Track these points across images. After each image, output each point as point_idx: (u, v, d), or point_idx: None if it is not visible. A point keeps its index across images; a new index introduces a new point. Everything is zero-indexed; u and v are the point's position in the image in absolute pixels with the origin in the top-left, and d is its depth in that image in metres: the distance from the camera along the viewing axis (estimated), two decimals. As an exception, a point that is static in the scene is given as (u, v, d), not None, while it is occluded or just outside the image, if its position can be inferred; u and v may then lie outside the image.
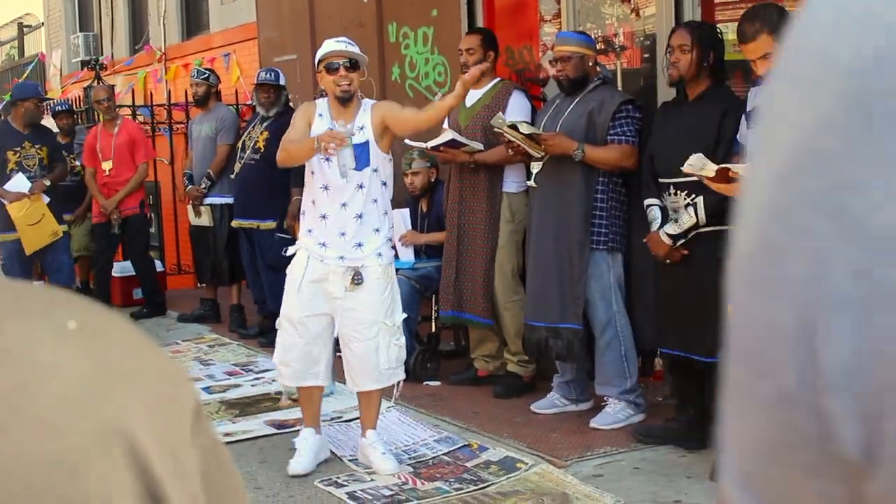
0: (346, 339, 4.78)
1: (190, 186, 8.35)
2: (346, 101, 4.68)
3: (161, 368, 0.58)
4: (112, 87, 9.85)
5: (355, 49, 4.72)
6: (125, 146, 8.79)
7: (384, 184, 4.78)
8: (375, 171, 4.71)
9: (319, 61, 4.72)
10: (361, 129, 4.69)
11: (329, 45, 4.72)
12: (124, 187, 8.75)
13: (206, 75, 8.40)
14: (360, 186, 4.68)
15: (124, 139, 8.82)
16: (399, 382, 4.89)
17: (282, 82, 7.62)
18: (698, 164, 4.05)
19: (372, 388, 4.84)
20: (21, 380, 0.51)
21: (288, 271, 4.86)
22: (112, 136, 8.81)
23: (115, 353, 0.56)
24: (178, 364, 0.61)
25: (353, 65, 4.67)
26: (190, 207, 8.49)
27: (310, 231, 4.76)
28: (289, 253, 4.91)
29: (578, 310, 5.22)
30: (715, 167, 3.97)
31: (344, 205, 4.65)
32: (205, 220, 8.35)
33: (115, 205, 8.70)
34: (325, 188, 4.69)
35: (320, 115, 4.78)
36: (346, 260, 4.70)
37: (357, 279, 4.68)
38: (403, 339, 4.88)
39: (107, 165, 8.74)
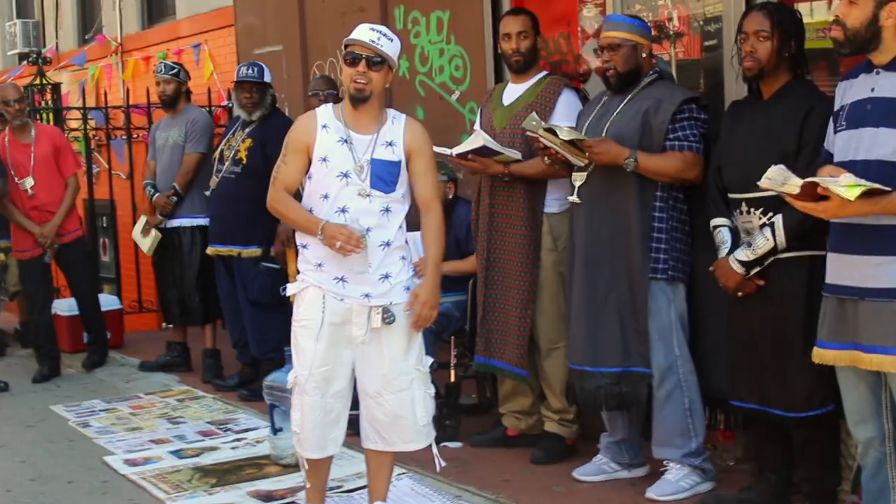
0: (372, 393, 4.84)
1: (157, 195, 8.40)
2: (358, 101, 4.73)
3: None
4: (57, 84, 9.90)
5: (390, 45, 4.75)
6: (50, 157, 8.75)
7: (409, 210, 4.89)
8: (403, 195, 4.81)
9: (344, 46, 4.79)
10: (390, 144, 4.77)
11: (361, 31, 4.76)
12: (61, 207, 8.73)
13: (174, 70, 8.48)
14: (387, 210, 4.75)
15: (47, 149, 8.77)
16: (435, 444, 4.96)
17: (267, 79, 7.71)
18: (779, 178, 4.06)
19: (409, 448, 4.92)
20: None
21: (296, 318, 4.87)
22: (29, 147, 8.76)
23: None
24: None
25: (377, 61, 4.72)
26: (141, 221, 8.50)
27: (320, 265, 4.79)
28: (289, 293, 4.95)
29: (644, 349, 5.24)
30: (800, 182, 3.98)
31: (368, 230, 4.71)
32: (147, 243, 8.38)
33: (55, 231, 8.72)
34: (343, 211, 4.73)
35: (324, 126, 4.80)
36: (373, 297, 4.76)
37: (388, 317, 4.74)
38: (433, 389, 4.96)
39: (28, 183, 8.68)
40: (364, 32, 4.73)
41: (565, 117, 5.74)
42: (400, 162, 4.76)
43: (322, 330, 4.76)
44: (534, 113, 5.47)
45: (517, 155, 5.81)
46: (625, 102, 5.34)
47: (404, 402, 4.81)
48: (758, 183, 4.14)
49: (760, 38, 4.72)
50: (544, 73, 6.09)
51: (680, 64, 6.39)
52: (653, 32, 5.94)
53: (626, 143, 5.20)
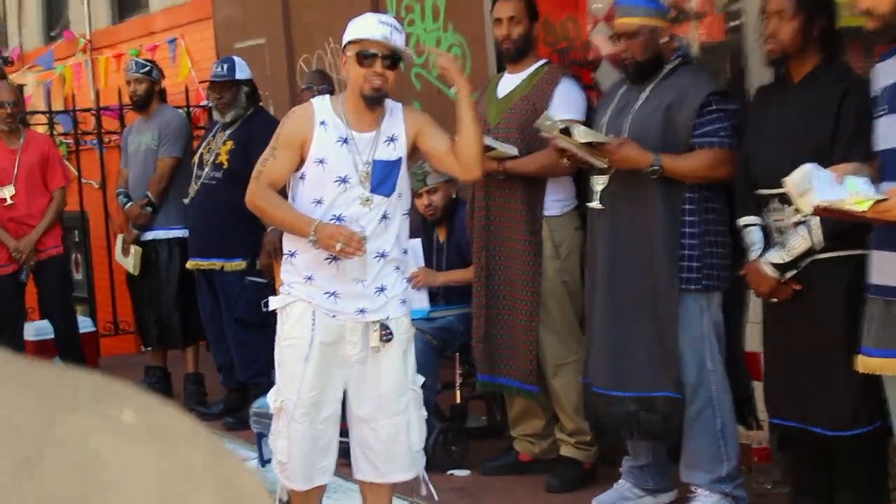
0: (365, 417, 4.79)
1: (130, 204, 8.33)
2: (374, 101, 4.68)
3: (235, 473, 0.71)
4: (20, 86, 9.85)
5: (401, 38, 4.69)
6: (36, 167, 8.68)
7: (406, 213, 4.85)
8: (400, 196, 4.76)
9: (350, 42, 4.70)
10: (392, 140, 4.72)
11: (369, 25, 4.69)
12: (41, 221, 8.65)
13: (146, 68, 8.43)
14: (385, 217, 4.71)
15: (34, 158, 8.69)
16: (435, 473, 4.95)
17: (239, 76, 7.65)
18: (802, 186, 4.01)
19: (404, 477, 4.87)
20: (88, 485, 0.63)
21: (281, 336, 4.81)
22: (15, 154, 8.67)
23: (184, 455, 0.69)
24: (249, 468, 0.75)
25: (395, 60, 4.68)
26: (119, 241, 8.45)
27: (310, 278, 4.72)
28: (272, 307, 4.89)
29: (674, 371, 5.19)
30: (813, 204, 3.95)
31: (365, 240, 4.65)
32: (130, 262, 8.33)
33: (32, 246, 8.66)
34: (338, 219, 4.66)
35: (322, 122, 4.73)
36: (369, 312, 4.70)
37: (387, 334, 4.70)
38: (425, 410, 4.93)
39: (7, 192, 8.58)
40: (375, 27, 4.66)
41: (563, 108, 5.70)
42: (400, 160, 4.73)
43: (312, 350, 4.69)
44: (547, 112, 5.42)
45: (513, 151, 5.76)
46: (645, 94, 5.29)
47: (400, 427, 4.76)
48: (783, 180, 4.09)
49: (783, 18, 4.68)
50: (542, 61, 6.08)
51: (703, 47, 6.40)
52: (671, 13, 5.89)
53: (649, 142, 5.15)
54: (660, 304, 5.19)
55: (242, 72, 7.67)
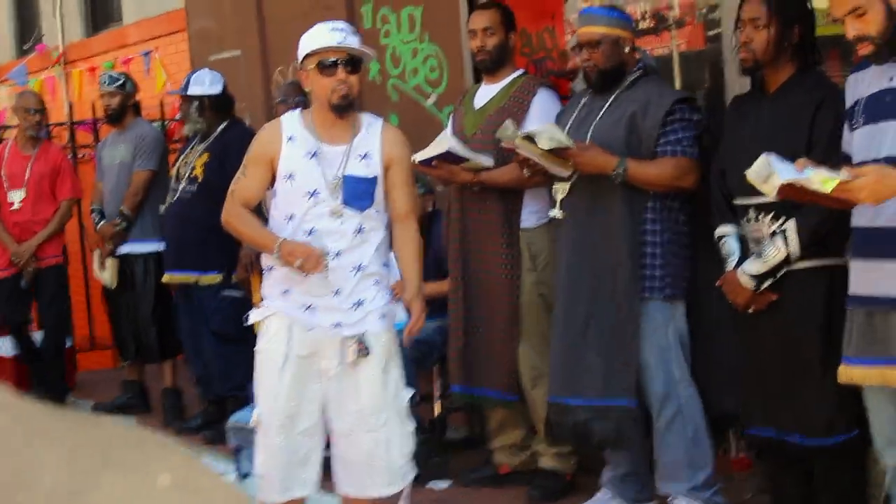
0: (345, 432, 4.79)
1: (102, 223, 8.36)
2: (344, 109, 4.69)
3: None
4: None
5: (356, 40, 4.72)
6: (46, 176, 8.82)
7: (385, 226, 4.84)
8: (378, 211, 4.77)
9: (307, 56, 4.72)
10: (364, 157, 4.72)
11: (321, 35, 4.70)
12: (45, 228, 8.74)
13: (119, 81, 8.45)
14: (360, 231, 4.71)
15: (46, 167, 8.85)
16: (408, 486, 4.91)
17: (193, 91, 7.65)
18: (763, 173, 4.00)
19: (385, 492, 4.85)
20: None
21: (259, 349, 4.82)
22: (28, 160, 8.83)
23: None
24: None
25: (356, 63, 4.70)
26: (96, 256, 8.47)
27: (286, 292, 4.74)
28: (251, 321, 4.91)
29: (630, 380, 5.20)
30: (779, 183, 3.92)
31: (338, 254, 4.67)
32: (107, 276, 8.34)
33: (33, 251, 8.69)
34: (310, 233, 4.67)
35: (290, 138, 4.73)
36: (345, 326, 4.71)
37: (363, 350, 4.70)
38: (413, 425, 4.92)
39: (16, 196, 8.72)
40: (329, 35, 4.67)
41: (541, 120, 5.69)
42: (375, 178, 4.72)
43: (287, 363, 4.71)
44: (509, 121, 5.41)
45: (488, 162, 5.77)
46: (608, 103, 5.33)
47: (379, 441, 4.76)
48: (745, 172, 4.09)
49: (756, 27, 4.71)
50: (519, 72, 6.09)
51: (684, 56, 6.39)
52: (647, 22, 5.93)
53: (613, 150, 5.17)
54: (621, 312, 5.20)
55: (199, 86, 7.66)
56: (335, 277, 4.66)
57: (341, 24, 4.77)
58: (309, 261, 4.53)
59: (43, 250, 8.75)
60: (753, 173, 4.04)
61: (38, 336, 9.28)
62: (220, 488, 0.67)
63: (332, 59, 4.65)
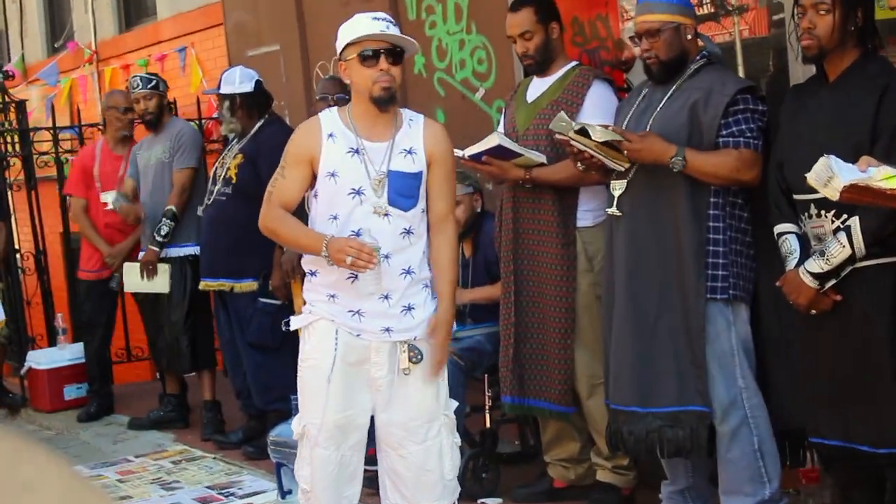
0: (394, 444, 4.83)
1: (144, 252, 8.41)
2: (387, 102, 4.72)
3: None
4: (23, 101, 9.99)
5: (397, 31, 4.76)
6: None
7: (429, 227, 4.87)
8: (423, 211, 4.80)
9: (348, 45, 4.75)
10: (409, 152, 4.76)
11: (362, 24, 4.73)
12: (137, 229, 8.79)
13: (153, 82, 8.53)
14: (408, 232, 4.74)
15: None
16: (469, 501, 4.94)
17: (224, 90, 7.70)
18: (823, 176, 4.01)
19: None
20: None
21: (302, 356, 4.86)
22: (121, 161, 8.95)
23: None
24: None
25: (399, 53, 4.73)
26: (130, 267, 8.53)
27: (333, 296, 4.78)
28: (293, 327, 4.95)
29: (702, 383, 5.17)
30: (841, 184, 3.92)
31: (387, 257, 4.70)
32: (159, 284, 8.39)
33: (125, 253, 8.79)
34: (357, 234, 4.69)
35: (331, 135, 4.77)
36: (395, 332, 4.75)
37: (415, 356, 4.74)
38: (459, 437, 4.96)
39: (109, 197, 8.80)
40: (369, 24, 4.71)
41: (596, 114, 5.68)
42: (421, 173, 4.76)
43: (335, 370, 4.74)
44: (562, 113, 5.38)
45: (541, 158, 5.76)
46: (669, 94, 5.30)
47: (431, 454, 4.80)
48: (805, 175, 4.09)
49: (819, 12, 4.67)
50: (573, 63, 6.05)
51: (746, 44, 6.35)
52: (707, 8, 5.91)
53: (673, 141, 5.14)
54: (688, 313, 5.17)
55: (229, 85, 7.70)
56: (387, 277, 4.69)
57: (383, 14, 4.81)
58: (361, 256, 4.51)
59: (135, 252, 8.82)
60: (814, 176, 4.05)
61: (44, 354, 9.52)
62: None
63: (374, 48, 4.68)
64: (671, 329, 5.23)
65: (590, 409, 5.91)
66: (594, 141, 5.15)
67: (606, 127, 5.25)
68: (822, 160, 4.01)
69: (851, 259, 4.57)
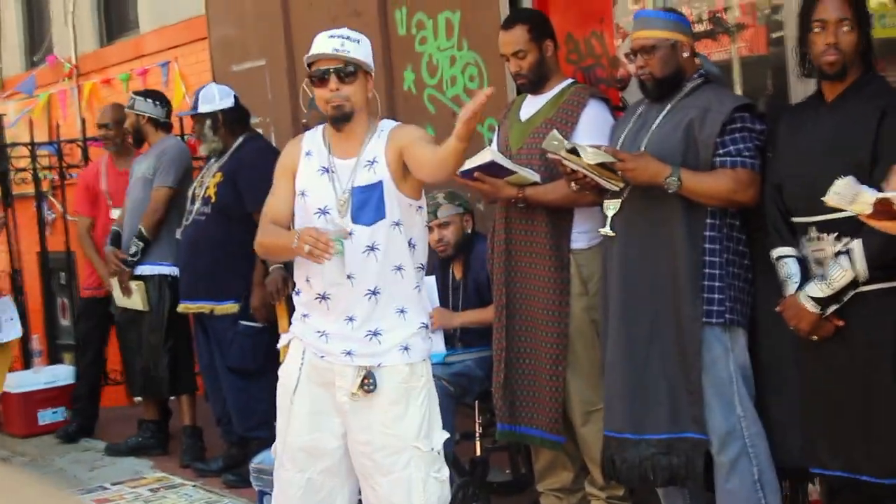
0: (364, 474, 4.81)
1: (109, 248, 8.43)
2: (339, 121, 4.74)
3: None
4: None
5: (358, 48, 4.74)
6: None
7: (412, 244, 4.81)
8: (397, 224, 4.75)
9: (308, 66, 4.80)
10: (371, 163, 4.75)
11: (317, 43, 4.77)
12: None
13: (133, 100, 8.59)
14: (372, 249, 4.71)
15: None
16: None
17: (203, 108, 7.70)
18: (848, 194, 4.03)
19: None
20: None
21: (280, 374, 4.91)
22: (125, 176, 8.86)
23: None
24: None
25: (350, 71, 4.73)
26: (115, 283, 8.51)
27: (305, 316, 4.82)
28: (281, 344, 4.99)
29: (698, 410, 5.16)
30: (873, 198, 3.95)
31: (350, 276, 4.69)
32: (136, 300, 8.38)
33: (127, 274, 8.67)
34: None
35: (308, 153, 4.83)
36: (356, 356, 4.73)
37: (368, 385, 4.69)
38: (446, 472, 4.90)
39: (117, 214, 8.81)
40: (324, 43, 4.74)
41: (591, 133, 5.69)
42: (380, 183, 4.72)
43: (298, 390, 4.77)
44: (555, 131, 5.39)
45: (535, 176, 5.75)
46: (665, 113, 5.31)
47: (398, 486, 4.74)
48: (823, 199, 4.11)
49: (844, 28, 4.70)
50: (568, 81, 6.04)
51: (744, 62, 6.37)
52: (704, 25, 5.91)
53: (668, 161, 5.15)
54: (683, 337, 5.16)
55: (209, 103, 7.71)
56: (347, 303, 4.68)
57: (343, 31, 4.82)
58: (317, 245, 4.44)
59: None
60: (836, 196, 4.06)
61: (18, 377, 9.49)
62: None
63: (323, 68, 4.71)
64: (665, 354, 5.23)
65: (584, 436, 5.89)
66: (586, 162, 5.16)
67: (598, 147, 5.25)
68: (843, 179, 4.03)
69: (854, 283, 4.59)
